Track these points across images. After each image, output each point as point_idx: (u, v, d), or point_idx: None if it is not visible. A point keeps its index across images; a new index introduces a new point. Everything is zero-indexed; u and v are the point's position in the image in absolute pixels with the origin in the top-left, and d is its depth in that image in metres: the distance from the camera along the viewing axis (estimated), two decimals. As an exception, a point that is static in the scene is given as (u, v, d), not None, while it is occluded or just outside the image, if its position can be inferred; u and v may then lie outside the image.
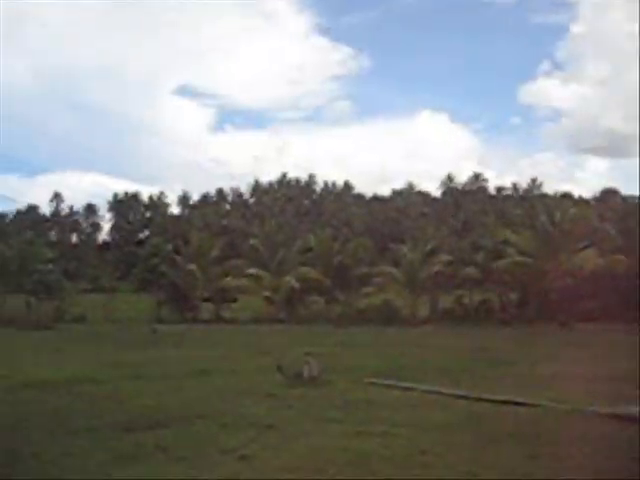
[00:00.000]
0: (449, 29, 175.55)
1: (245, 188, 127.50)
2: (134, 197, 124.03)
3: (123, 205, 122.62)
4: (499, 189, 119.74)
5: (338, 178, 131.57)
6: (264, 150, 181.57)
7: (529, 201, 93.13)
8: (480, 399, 14.86)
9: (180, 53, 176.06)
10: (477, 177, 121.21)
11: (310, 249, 58.78)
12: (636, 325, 36.49)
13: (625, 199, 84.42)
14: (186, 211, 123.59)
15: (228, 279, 53.06)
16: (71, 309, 51.03)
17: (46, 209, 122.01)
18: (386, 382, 17.57)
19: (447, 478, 8.79)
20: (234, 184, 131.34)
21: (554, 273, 45.93)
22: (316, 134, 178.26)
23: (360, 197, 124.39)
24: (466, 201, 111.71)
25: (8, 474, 8.88)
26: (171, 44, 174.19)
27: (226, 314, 53.28)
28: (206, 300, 54.31)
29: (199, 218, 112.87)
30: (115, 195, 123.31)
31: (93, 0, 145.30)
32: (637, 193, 73.98)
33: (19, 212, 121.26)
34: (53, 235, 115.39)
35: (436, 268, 49.22)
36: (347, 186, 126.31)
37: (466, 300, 50.81)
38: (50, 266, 51.99)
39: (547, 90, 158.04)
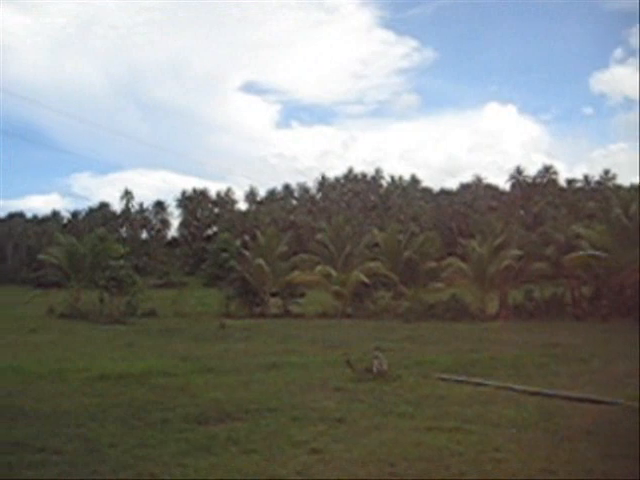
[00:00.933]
0: (516, 18, 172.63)
1: (311, 183, 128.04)
2: (202, 193, 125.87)
3: (191, 202, 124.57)
4: (570, 181, 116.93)
5: (405, 172, 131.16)
6: (330, 145, 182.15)
7: (602, 193, 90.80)
8: (554, 396, 14.54)
9: (245, 50, 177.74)
10: (547, 169, 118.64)
11: (377, 244, 58.60)
12: None
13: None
14: (253, 207, 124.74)
15: (296, 274, 53.24)
16: (142, 304, 51.94)
17: (117, 206, 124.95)
18: (456, 378, 17.36)
19: (521, 475, 8.64)
20: (300, 179, 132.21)
21: (630, 268, 44.57)
22: (382, 128, 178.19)
23: (427, 191, 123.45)
24: (536, 194, 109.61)
25: (87, 462, 9.11)
26: (236, 41, 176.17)
27: (294, 309, 53.47)
28: (274, 295, 54.59)
29: (266, 214, 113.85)
30: (183, 192, 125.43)
31: (160, 1, 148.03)
32: None
33: (91, 210, 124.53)
34: (124, 232, 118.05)
35: (506, 262, 48.34)
36: (414, 180, 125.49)
37: (537, 295, 49.78)
38: (122, 262, 52.85)
39: (620, 78, 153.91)
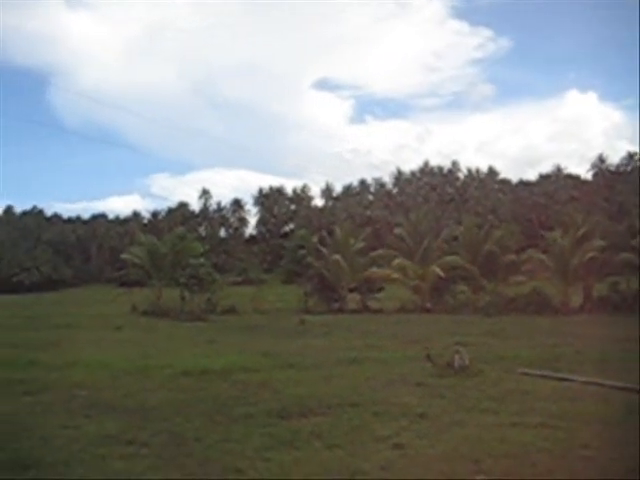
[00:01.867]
0: (592, 4, 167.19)
1: (387, 178, 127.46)
2: (278, 191, 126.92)
3: (268, 199, 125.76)
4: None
5: (482, 164, 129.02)
6: (405, 139, 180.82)
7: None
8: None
9: (318, 46, 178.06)
10: (631, 156, 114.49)
11: (455, 237, 57.91)
12: None
13: None
14: (329, 203, 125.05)
15: (373, 269, 53.07)
16: (222, 301, 52.63)
17: (195, 206, 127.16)
18: (540, 373, 16.99)
19: (611, 474, 8.38)
20: (376, 174, 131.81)
21: None
22: (457, 120, 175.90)
23: (505, 183, 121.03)
24: (619, 183, 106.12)
25: (174, 456, 9.31)
26: (309, 38, 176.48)
27: (372, 304, 53.29)
28: (352, 290, 54.58)
29: (342, 209, 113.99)
30: (260, 190, 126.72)
31: (232, 1, 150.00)
32: None
33: (170, 209, 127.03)
34: (203, 230, 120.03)
35: (589, 254, 47.06)
36: (492, 172, 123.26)
37: (623, 287, 48.24)
38: (202, 260, 53.66)
39: None
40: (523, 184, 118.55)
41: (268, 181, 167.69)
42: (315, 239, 62.48)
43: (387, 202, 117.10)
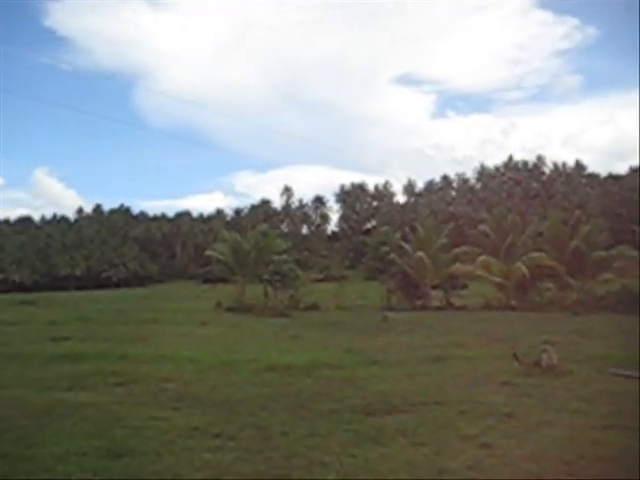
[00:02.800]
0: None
1: (470, 173, 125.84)
2: (360, 187, 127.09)
3: (350, 196, 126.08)
4: None
5: (568, 158, 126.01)
6: (488, 133, 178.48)
7: None
8: None
9: (400, 42, 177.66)
10: None
11: (541, 233, 56.66)
12: None
13: None
14: (412, 199, 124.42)
15: (457, 266, 52.49)
16: (304, 297, 53.06)
17: (277, 203, 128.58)
18: (632, 374, 16.42)
19: None
20: (459, 170, 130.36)
21: None
22: (542, 113, 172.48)
23: (593, 177, 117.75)
24: None
25: (261, 449, 9.42)
26: (391, 34, 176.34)
27: (456, 301, 52.76)
28: (435, 287, 54.19)
29: (425, 205, 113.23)
30: (342, 186, 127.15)
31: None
32: None
33: (253, 207, 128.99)
34: (285, 227, 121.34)
35: (684, 251, 45.40)
36: (579, 166, 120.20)
37: None
38: (284, 256, 54.24)
39: None
40: (612, 178, 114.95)
41: (350, 178, 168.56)
42: (398, 236, 62.25)
43: (470, 198, 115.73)
